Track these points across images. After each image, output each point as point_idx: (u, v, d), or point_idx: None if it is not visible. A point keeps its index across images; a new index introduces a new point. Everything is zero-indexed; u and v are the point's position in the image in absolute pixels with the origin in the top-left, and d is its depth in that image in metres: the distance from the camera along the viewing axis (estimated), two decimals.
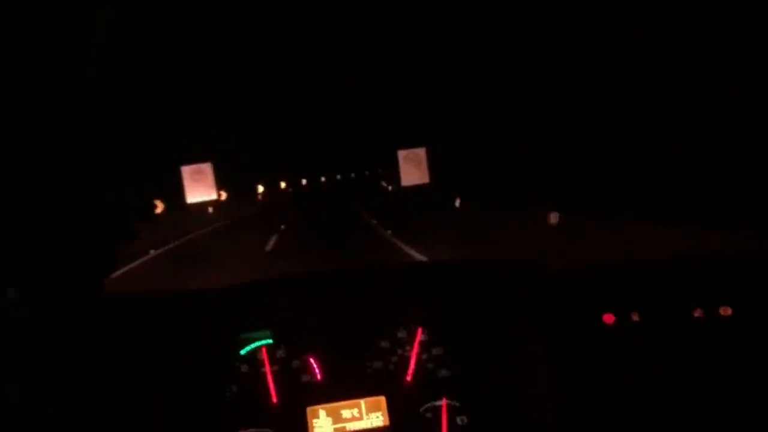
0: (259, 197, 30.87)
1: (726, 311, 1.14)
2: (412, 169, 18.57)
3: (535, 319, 1.18)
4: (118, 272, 6.97)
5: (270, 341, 1.21)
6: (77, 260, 1.12)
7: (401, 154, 18.24)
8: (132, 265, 10.00)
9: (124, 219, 1.21)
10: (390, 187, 23.82)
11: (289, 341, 1.21)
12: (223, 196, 19.71)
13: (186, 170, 19.77)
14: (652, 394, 1.11)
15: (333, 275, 1.38)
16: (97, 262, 1.15)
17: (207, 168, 20.09)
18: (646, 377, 1.12)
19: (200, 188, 19.83)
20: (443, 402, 1.20)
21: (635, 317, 1.15)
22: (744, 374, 1.10)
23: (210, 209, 21.07)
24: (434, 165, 17.99)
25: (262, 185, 37.87)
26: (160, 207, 15.89)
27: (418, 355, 1.22)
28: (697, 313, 1.14)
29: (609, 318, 1.16)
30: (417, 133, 20.84)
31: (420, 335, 1.21)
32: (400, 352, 1.21)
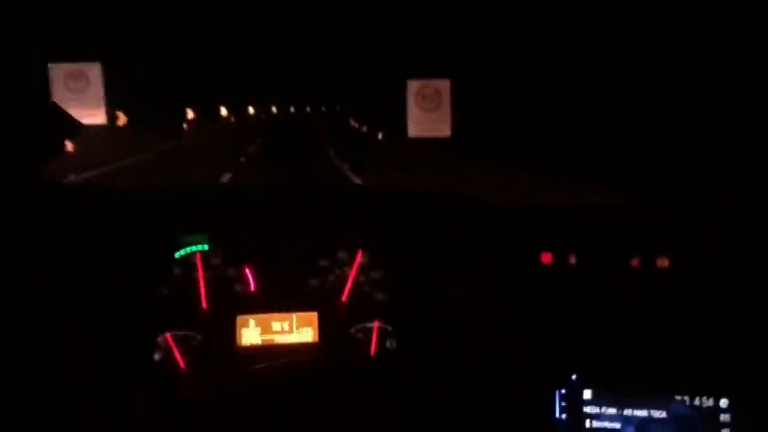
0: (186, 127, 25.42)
1: (663, 263, 1.24)
2: (426, 113, 12.51)
3: (476, 252, 1.32)
4: None
5: (206, 247, 1.33)
6: (14, 145, 1.17)
7: (412, 86, 12.52)
8: None
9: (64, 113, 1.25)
10: (380, 135, 20.66)
11: (227, 249, 1.33)
12: (122, 120, 14.14)
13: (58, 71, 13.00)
14: (583, 335, 1.24)
15: (281, 189, 1.49)
16: (35, 148, 1.21)
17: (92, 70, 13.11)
18: (579, 319, 1.24)
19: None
20: (375, 324, 1.31)
21: (572, 259, 1.26)
22: (673, 325, 1.22)
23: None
24: (461, 108, 12.60)
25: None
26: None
27: (356, 277, 1.34)
28: (635, 262, 1.25)
29: (547, 257, 1.27)
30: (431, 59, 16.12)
31: (360, 257, 1.35)
32: (338, 272, 1.35)
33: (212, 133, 26.81)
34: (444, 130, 12.81)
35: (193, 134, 24.39)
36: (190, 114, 25.87)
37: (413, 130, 12.72)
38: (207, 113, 28.88)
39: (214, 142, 21.72)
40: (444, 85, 12.73)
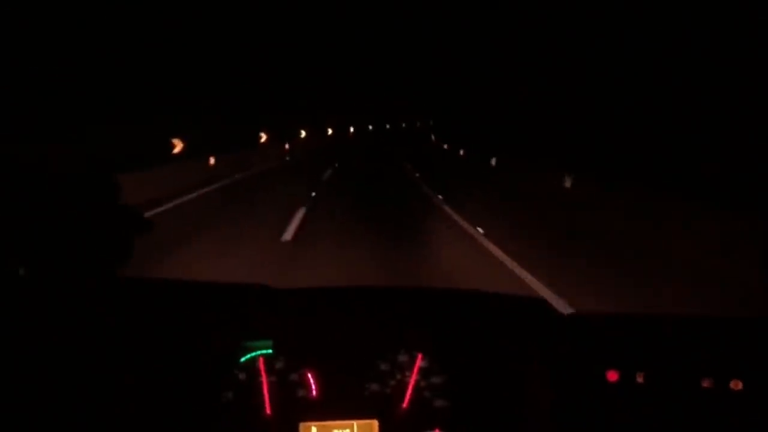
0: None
1: (737, 385, 1.19)
2: None
3: (540, 361, 1.28)
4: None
5: (270, 351, 1.34)
6: (90, 246, 1.26)
7: None
8: None
9: (138, 212, 1.33)
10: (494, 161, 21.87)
11: (289, 354, 1.34)
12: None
13: None
14: None
15: (340, 292, 1.48)
16: (110, 249, 1.29)
17: None
18: None
19: None
20: None
21: (640, 378, 1.21)
22: None
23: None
24: None
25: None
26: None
27: (417, 382, 1.33)
28: (706, 383, 1.20)
29: (613, 375, 1.23)
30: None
31: (420, 361, 1.34)
32: (398, 376, 1.34)
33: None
34: None
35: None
36: (263, 137, 26.12)
37: None
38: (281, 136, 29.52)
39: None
40: None
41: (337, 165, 22.80)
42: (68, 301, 1.21)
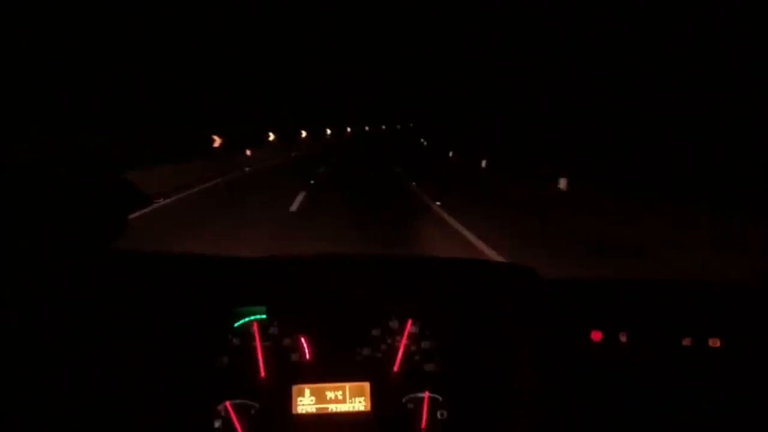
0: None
1: (715, 342, 1.22)
2: None
3: (527, 325, 1.31)
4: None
5: (264, 317, 1.36)
6: (88, 220, 1.27)
7: None
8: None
9: (134, 188, 1.35)
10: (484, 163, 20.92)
11: (283, 319, 1.36)
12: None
13: None
14: (633, 415, 1.22)
15: (334, 260, 1.50)
16: (106, 223, 1.30)
17: None
18: (629, 397, 1.23)
19: None
20: (426, 394, 1.32)
21: (623, 338, 1.24)
22: (727, 406, 1.20)
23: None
24: None
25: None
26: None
27: (407, 347, 1.35)
28: (686, 342, 1.23)
29: (597, 335, 1.25)
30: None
31: (410, 327, 1.36)
32: (389, 341, 1.36)
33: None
34: None
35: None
36: (270, 136, 30.52)
37: None
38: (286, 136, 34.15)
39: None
40: None
41: (334, 158, 27.30)
42: (61, 275, 1.21)
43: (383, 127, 75.83)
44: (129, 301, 1.27)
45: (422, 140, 39.83)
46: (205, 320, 1.34)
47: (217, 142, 20.18)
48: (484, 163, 19.89)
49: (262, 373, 1.33)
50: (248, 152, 22.50)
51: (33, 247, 1.19)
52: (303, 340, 1.35)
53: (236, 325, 1.35)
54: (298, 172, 19.40)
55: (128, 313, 1.25)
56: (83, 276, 1.24)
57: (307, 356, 1.35)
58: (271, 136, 30.99)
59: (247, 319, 1.36)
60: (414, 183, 15.92)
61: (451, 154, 26.65)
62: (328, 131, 52.01)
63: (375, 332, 1.37)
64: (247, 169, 19.57)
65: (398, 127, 76.95)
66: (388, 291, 1.40)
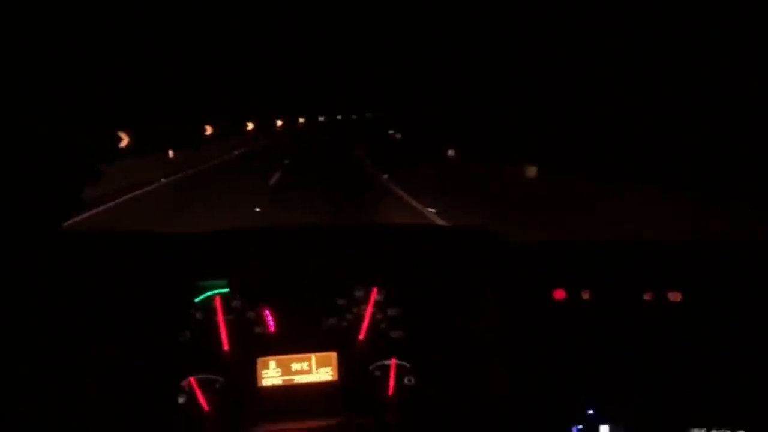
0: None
1: (675, 296, 1.24)
2: None
3: (490, 289, 1.32)
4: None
5: (226, 290, 1.35)
6: (39, 199, 1.21)
7: None
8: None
9: (87, 160, 1.27)
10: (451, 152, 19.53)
11: (246, 292, 1.35)
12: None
13: None
14: (598, 370, 1.24)
15: (294, 230, 1.49)
16: (59, 201, 1.25)
17: None
18: (593, 354, 1.24)
19: None
20: (393, 361, 1.33)
21: (586, 295, 1.27)
22: (687, 358, 1.22)
23: None
24: None
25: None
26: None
27: (373, 315, 1.35)
28: (647, 296, 1.25)
29: (560, 294, 1.27)
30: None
31: (375, 295, 1.36)
32: (355, 310, 1.36)
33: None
34: None
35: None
36: (208, 130, 27.85)
37: None
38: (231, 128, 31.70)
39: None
40: None
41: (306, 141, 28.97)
42: (15, 254, 1.16)
43: (354, 116, 75.64)
44: (87, 281, 1.24)
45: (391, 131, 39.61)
46: (166, 296, 1.33)
47: (125, 141, 15.54)
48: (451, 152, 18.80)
49: (226, 347, 1.32)
50: (171, 153, 17.52)
51: None
52: (267, 312, 1.34)
53: (197, 300, 1.34)
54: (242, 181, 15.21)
55: (86, 294, 1.23)
56: (37, 258, 1.19)
57: (272, 328, 1.34)
58: (209, 130, 26.82)
59: (209, 293, 1.35)
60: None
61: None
62: (301, 120, 52.29)
63: (340, 301, 1.36)
64: (163, 179, 13.90)
65: (368, 116, 76.88)
66: (352, 260, 1.40)
